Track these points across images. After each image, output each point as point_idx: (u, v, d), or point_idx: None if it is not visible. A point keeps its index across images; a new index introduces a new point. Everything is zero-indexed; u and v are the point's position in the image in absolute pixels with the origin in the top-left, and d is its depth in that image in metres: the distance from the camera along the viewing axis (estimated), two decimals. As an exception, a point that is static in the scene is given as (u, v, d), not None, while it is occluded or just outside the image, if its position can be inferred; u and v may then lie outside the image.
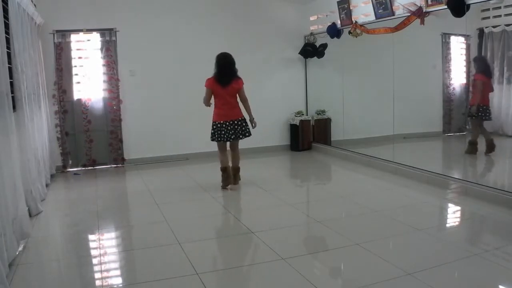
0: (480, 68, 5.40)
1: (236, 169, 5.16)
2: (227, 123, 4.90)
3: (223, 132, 4.90)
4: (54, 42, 6.09)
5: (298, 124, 7.34)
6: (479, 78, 5.32)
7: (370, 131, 6.81)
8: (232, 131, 4.90)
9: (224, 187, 5.08)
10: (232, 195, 5.03)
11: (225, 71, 4.88)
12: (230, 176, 5.07)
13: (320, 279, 2.82)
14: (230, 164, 5.15)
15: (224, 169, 5.05)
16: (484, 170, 5.51)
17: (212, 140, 5.01)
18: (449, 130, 6.05)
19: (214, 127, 4.96)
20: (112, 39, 6.32)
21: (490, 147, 5.28)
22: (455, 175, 4.93)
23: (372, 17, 5.79)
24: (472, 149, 5.36)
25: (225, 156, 5.06)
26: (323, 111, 7.48)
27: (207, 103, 4.98)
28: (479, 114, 5.28)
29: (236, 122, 4.93)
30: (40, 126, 5.17)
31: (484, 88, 5.25)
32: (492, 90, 5.27)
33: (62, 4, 6.06)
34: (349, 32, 6.22)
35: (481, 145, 5.29)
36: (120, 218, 4.27)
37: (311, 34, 7.31)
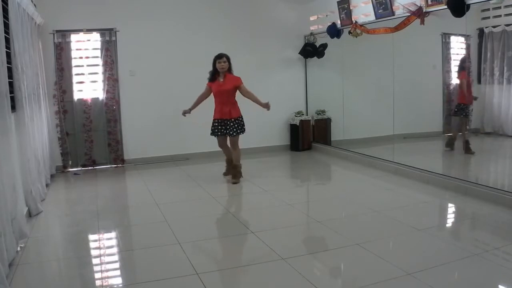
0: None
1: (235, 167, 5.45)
2: (226, 121, 5.25)
3: (222, 128, 5.29)
4: (54, 42, 6.09)
5: (298, 124, 7.34)
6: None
7: (370, 131, 6.81)
8: (224, 127, 5.29)
9: (224, 174, 5.62)
10: (232, 195, 5.03)
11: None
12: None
13: (320, 279, 2.82)
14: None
15: (228, 161, 5.57)
16: (483, 170, 5.51)
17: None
18: (449, 130, 6.05)
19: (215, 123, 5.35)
20: (112, 39, 6.32)
21: (451, 143, 5.87)
22: (455, 175, 4.92)
23: (372, 17, 5.79)
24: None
25: (226, 149, 5.47)
26: (323, 111, 7.47)
27: None
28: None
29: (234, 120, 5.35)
30: (40, 126, 5.16)
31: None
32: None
33: (62, 4, 6.05)
34: (349, 32, 6.22)
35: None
36: (120, 218, 4.27)
37: (311, 34, 7.30)
